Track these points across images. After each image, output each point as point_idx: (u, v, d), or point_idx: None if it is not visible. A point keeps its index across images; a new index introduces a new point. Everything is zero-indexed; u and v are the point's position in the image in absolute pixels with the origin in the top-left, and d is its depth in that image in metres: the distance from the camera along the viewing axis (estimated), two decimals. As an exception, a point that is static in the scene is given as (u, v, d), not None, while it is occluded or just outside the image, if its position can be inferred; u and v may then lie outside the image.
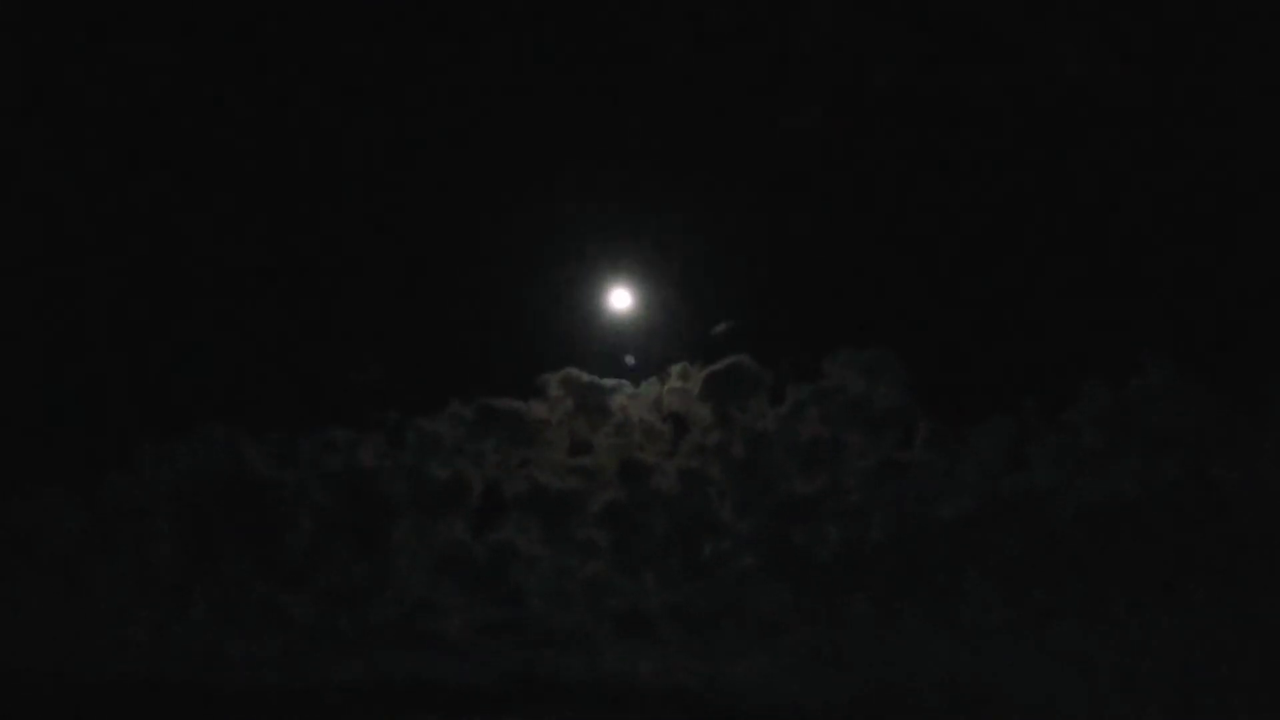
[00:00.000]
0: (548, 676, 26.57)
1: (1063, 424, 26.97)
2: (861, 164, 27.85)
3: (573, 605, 27.22)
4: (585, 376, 27.93)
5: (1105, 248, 27.13)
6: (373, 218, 28.26)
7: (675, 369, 28.03)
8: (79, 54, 25.97)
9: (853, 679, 25.86)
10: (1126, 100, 26.17)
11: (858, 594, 26.70)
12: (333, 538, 27.70)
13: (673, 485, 27.54)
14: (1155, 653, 25.30)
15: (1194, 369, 26.28)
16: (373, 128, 27.72)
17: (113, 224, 27.92)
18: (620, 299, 27.83)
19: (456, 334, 27.70)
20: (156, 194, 27.89)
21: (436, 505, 27.77)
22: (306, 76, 27.33)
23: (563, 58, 27.46)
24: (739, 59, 27.67)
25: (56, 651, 26.34)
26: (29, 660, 26.28)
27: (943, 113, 27.11)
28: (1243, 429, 25.95)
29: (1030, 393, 26.85)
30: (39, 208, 27.41)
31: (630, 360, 26.76)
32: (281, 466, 27.90)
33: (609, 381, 27.94)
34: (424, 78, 27.77)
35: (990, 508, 26.79)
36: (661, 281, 27.68)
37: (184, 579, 27.11)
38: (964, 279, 27.45)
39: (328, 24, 26.50)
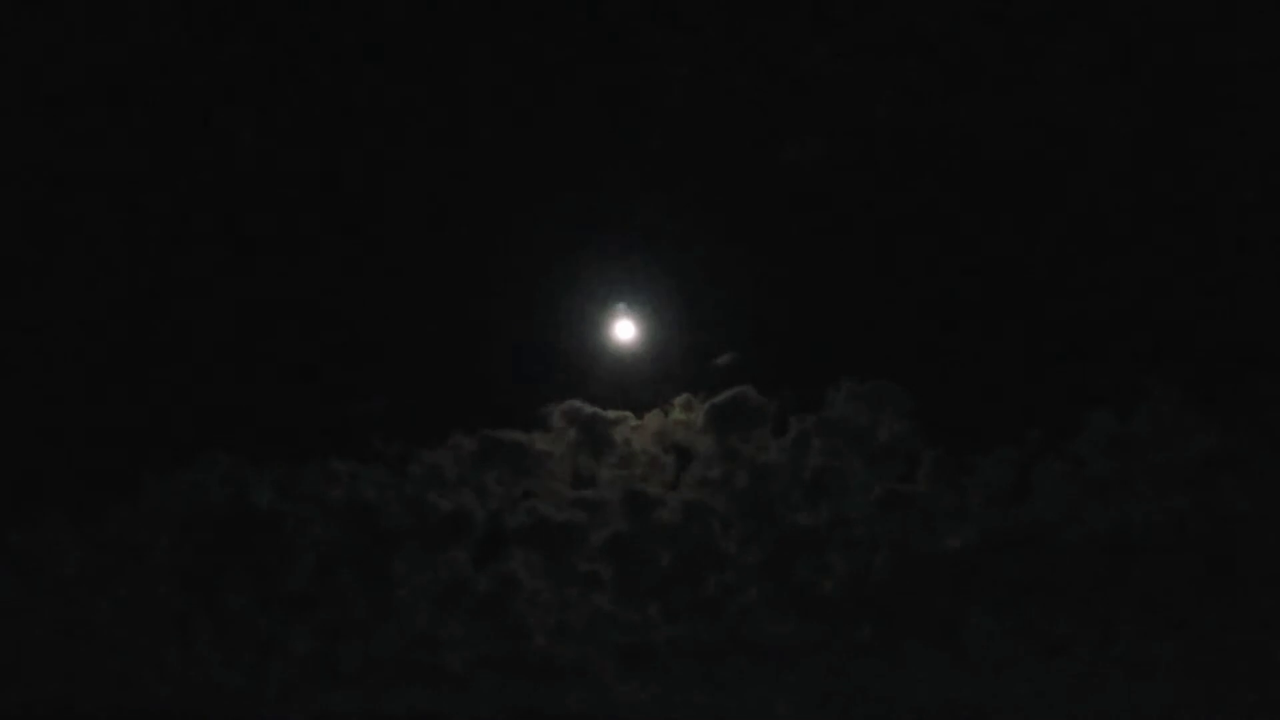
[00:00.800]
0: (551, 711, 26.44)
1: (1068, 454, 26.86)
2: (863, 195, 27.96)
3: (576, 639, 27.20)
4: (588, 408, 27.84)
5: (1109, 276, 27.09)
6: (375, 248, 28.42)
7: (678, 400, 27.96)
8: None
9: (858, 711, 25.78)
10: (1126, 128, 26.23)
11: (863, 626, 26.67)
12: (334, 570, 27.73)
13: (676, 517, 27.42)
14: (1162, 684, 25.09)
15: (1200, 397, 26.09)
16: (373, 154, 27.86)
17: (115, 254, 28.19)
18: (624, 330, 27.75)
19: (459, 365, 27.77)
20: (160, 225, 28.24)
21: (438, 537, 27.71)
22: (306, 114, 27.70)
23: (564, 91, 27.72)
24: (741, 93, 27.85)
25: (57, 682, 26.39)
26: (29, 691, 26.34)
27: (945, 144, 27.21)
28: (1250, 457, 25.73)
29: (1035, 423, 26.84)
30: (42, 236, 27.72)
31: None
32: (283, 498, 27.89)
33: (612, 413, 27.82)
34: (424, 110, 28.07)
35: (995, 539, 26.74)
36: (665, 313, 27.75)
37: (185, 610, 27.12)
38: (967, 308, 27.37)
39: (320, 67, 27.08)
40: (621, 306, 27.46)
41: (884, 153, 27.28)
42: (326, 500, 27.86)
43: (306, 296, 27.82)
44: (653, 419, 27.94)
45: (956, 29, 26.26)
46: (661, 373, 27.78)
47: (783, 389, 27.53)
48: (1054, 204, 26.98)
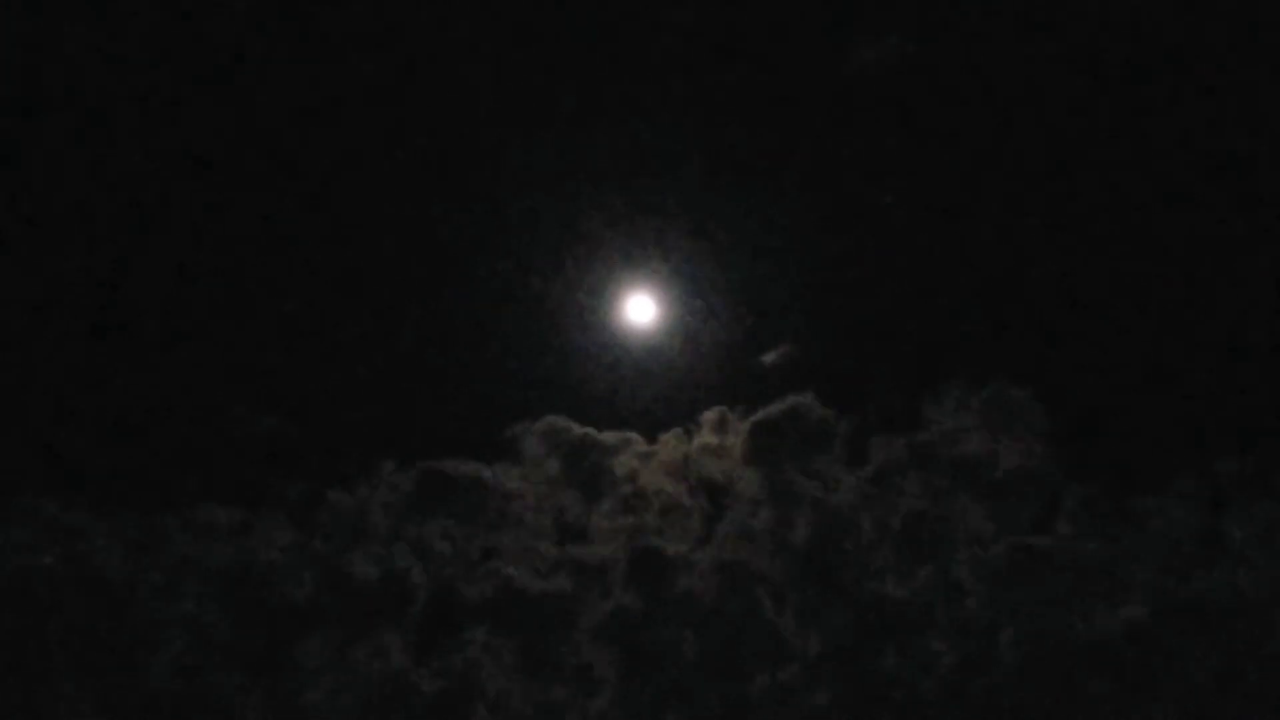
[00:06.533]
0: None
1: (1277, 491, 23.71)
2: (976, 111, 24.06)
3: (563, 763, 24.59)
4: (577, 428, 25.02)
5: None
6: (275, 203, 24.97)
7: (708, 416, 24.98)
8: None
9: None
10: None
11: (978, 744, 23.36)
12: (211, 662, 24.20)
13: (707, 586, 24.17)
14: None
15: None
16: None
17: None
18: (636, 312, 24.63)
19: (390, 368, 24.72)
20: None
21: (361, 617, 24.42)
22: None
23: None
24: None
25: None
26: None
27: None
28: None
29: (1229, 448, 23.35)
30: None
31: None
32: (134, 560, 24.48)
33: (611, 435, 24.97)
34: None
35: (1171, 617, 23.00)
36: (687, 291, 24.66)
37: None
38: (1127, 279, 23.97)
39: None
40: (628, 281, 24.69)
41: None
42: (197, 563, 24.50)
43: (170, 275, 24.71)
44: (671, 443, 25.06)
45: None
46: (683, 376, 25.04)
47: (860, 398, 24.78)
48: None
